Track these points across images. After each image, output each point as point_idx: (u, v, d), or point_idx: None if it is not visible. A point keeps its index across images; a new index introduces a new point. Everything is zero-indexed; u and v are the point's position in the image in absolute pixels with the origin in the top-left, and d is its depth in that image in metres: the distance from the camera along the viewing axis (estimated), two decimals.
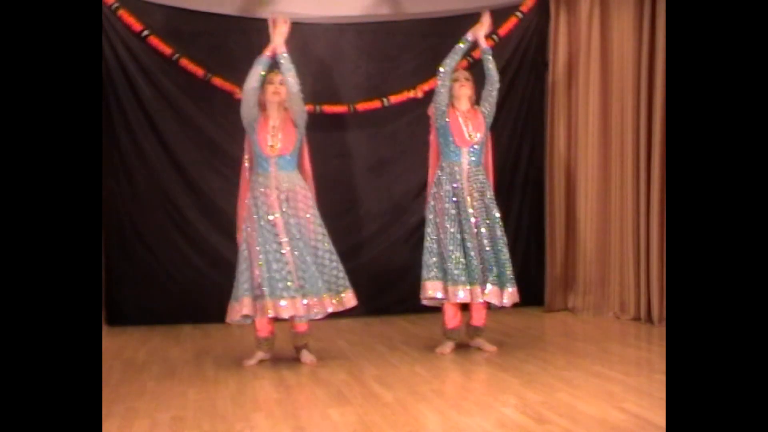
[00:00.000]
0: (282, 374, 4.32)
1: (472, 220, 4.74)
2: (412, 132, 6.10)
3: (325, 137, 5.96)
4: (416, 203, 6.32)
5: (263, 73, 4.58)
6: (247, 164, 4.67)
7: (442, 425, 3.35)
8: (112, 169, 5.74)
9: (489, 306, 4.82)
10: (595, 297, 6.22)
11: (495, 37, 6.27)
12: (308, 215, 4.60)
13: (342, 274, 4.66)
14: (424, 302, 4.89)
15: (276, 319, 4.54)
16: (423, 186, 6.29)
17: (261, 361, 4.61)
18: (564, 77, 6.31)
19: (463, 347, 4.97)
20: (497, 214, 4.82)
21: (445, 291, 4.75)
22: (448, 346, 4.87)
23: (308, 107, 5.94)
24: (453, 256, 4.72)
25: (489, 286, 4.73)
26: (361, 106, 6.12)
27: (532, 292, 6.17)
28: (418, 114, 6.15)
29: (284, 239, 4.46)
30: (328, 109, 6.05)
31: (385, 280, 6.24)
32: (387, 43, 6.23)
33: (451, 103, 4.91)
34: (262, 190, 4.53)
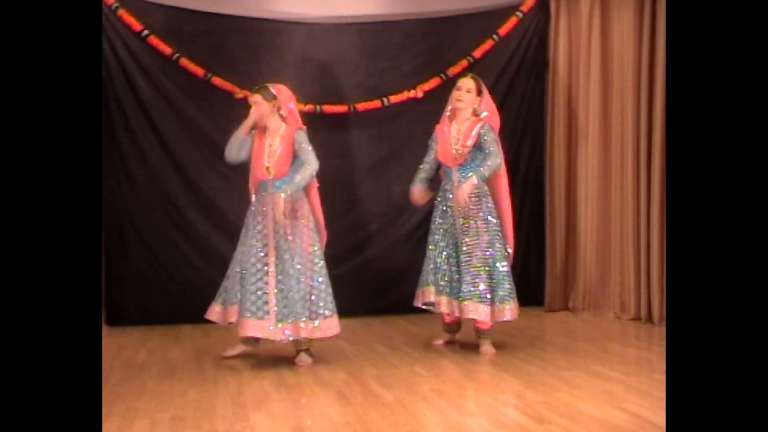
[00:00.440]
0: (282, 374, 4.32)
1: (464, 240, 4.73)
2: (412, 132, 6.09)
3: (325, 137, 5.95)
4: None
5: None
6: None
7: (442, 425, 3.35)
8: (112, 169, 5.73)
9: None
10: (595, 297, 6.22)
11: (495, 37, 6.27)
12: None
13: (330, 299, 4.55)
14: (417, 305, 4.99)
15: None
16: None
17: (246, 356, 4.70)
18: (564, 77, 6.31)
19: (463, 345, 4.98)
20: (491, 234, 4.71)
21: (434, 298, 4.87)
22: (442, 338, 5.06)
23: (308, 107, 5.97)
24: (441, 269, 4.82)
25: (470, 303, 4.67)
26: (361, 106, 6.12)
27: (532, 292, 6.18)
28: (418, 114, 6.15)
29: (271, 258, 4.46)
30: (328, 109, 6.04)
31: (385, 280, 6.24)
32: (387, 43, 6.22)
33: (452, 115, 4.87)
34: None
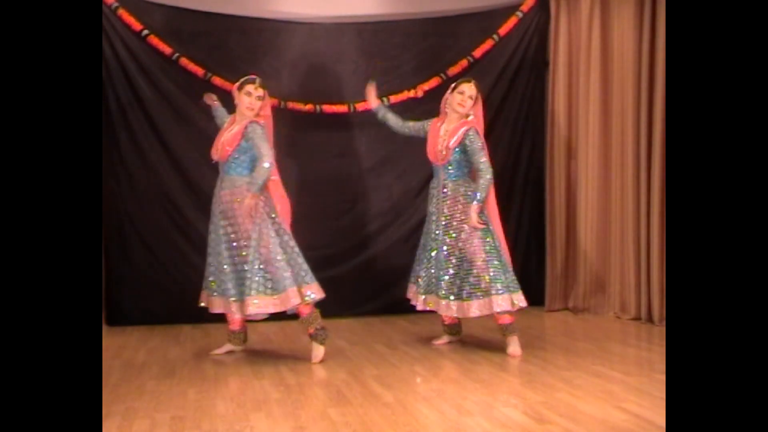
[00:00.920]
0: (282, 374, 4.32)
1: (443, 239, 4.76)
2: None
3: (325, 137, 5.96)
4: (416, 203, 6.31)
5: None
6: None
7: (442, 425, 3.35)
8: (112, 169, 5.74)
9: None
10: (595, 297, 6.22)
11: (495, 37, 6.27)
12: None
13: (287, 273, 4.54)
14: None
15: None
16: (423, 186, 6.30)
17: (246, 356, 4.76)
18: (564, 77, 6.31)
19: (463, 345, 4.98)
20: (477, 229, 4.68)
21: (414, 297, 4.95)
22: (443, 339, 5.08)
23: (308, 107, 5.97)
24: (423, 267, 4.89)
25: (454, 300, 4.69)
26: (361, 106, 6.10)
27: (532, 292, 6.17)
28: (418, 114, 6.13)
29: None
30: (328, 109, 6.04)
31: (385, 280, 6.24)
32: (387, 43, 6.22)
33: (445, 112, 4.88)
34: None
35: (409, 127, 5.09)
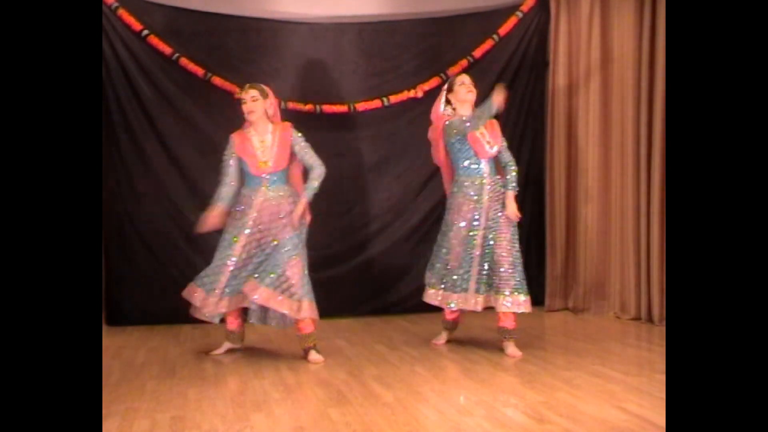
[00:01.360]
0: (282, 374, 4.32)
1: (486, 233, 4.73)
2: (412, 132, 6.10)
3: (325, 137, 5.95)
4: (416, 203, 6.32)
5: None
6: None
7: (442, 425, 3.35)
8: (112, 169, 5.74)
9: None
10: (595, 297, 6.22)
11: (495, 37, 6.27)
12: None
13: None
14: (426, 300, 4.99)
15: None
16: (423, 186, 6.32)
17: (246, 356, 4.77)
18: (564, 77, 6.31)
19: (463, 344, 4.98)
20: (514, 226, 4.78)
21: (443, 298, 4.86)
22: (442, 337, 5.08)
23: (308, 107, 5.98)
24: (457, 266, 4.78)
25: (499, 296, 4.67)
26: (361, 106, 6.12)
27: (532, 292, 6.15)
28: (418, 114, 6.15)
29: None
30: (328, 109, 6.04)
31: (385, 280, 6.24)
32: (387, 43, 6.22)
33: (453, 107, 4.89)
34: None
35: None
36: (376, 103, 6.13)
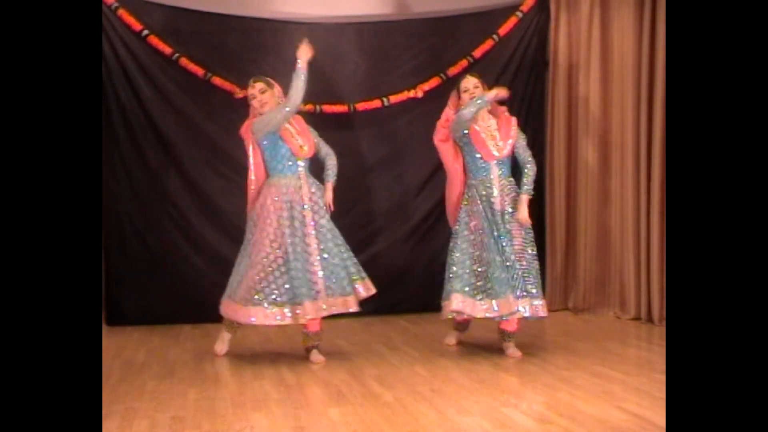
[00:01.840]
0: (282, 374, 4.32)
1: (503, 236, 4.66)
2: (412, 132, 6.10)
3: (325, 137, 5.93)
4: (416, 202, 6.32)
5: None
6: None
7: (442, 425, 3.35)
8: (112, 169, 5.74)
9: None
10: (595, 297, 6.22)
11: (495, 37, 6.27)
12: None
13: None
14: (450, 315, 4.72)
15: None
16: (423, 186, 6.32)
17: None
18: (564, 77, 6.31)
19: (462, 344, 4.98)
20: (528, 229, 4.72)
21: (469, 305, 4.63)
22: (453, 337, 5.04)
23: (308, 107, 5.97)
24: (479, 270, 4.65)
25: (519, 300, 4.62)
26: (361, 106, 6.11)
27: None
28: (418, 114, 6.16)
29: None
30: (328, 109, 6.04)
31: (385, 280, 6.20)
32: (387, 43, 6.22)
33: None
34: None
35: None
36: (376, 103, 6.12)
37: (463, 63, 6.18)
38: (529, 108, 6.43)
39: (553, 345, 5.15)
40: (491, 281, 4.57)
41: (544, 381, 4.08)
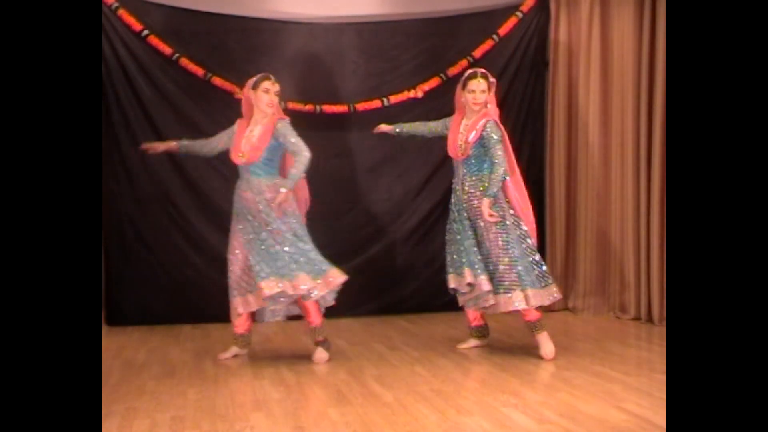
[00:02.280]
0: (282, 374, 4.32)
1: (468, 234, 4.70)
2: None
3: (325, 137, 5.95)
4: (416, 203, 6.32)
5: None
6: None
7: (441, 425, 3.35)
8: (112, 170, 5.74)
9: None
10: (595, 297, 6.22)
11: (495, 37, 6.27)
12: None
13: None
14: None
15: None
16: (423, 186, 6.32)
17: (246, 356, 4.74)
18: (564, 77, 6.31)
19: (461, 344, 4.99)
20: (499, 226, 4.65)
21: (456, 281, 4.78)
22: (469, 343, 4.98)
23: (308, 107, 5.98)
24: (459, 252, 4.75)
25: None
26: (361, 106, 6.11)
27: None
28: (418, 114, 6.15)
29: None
30: (328, 109, 6.04)
31: (385, 280, 6.24)
32: (387, 43, 6.22)
33: (461, 107, 4.83)
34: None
35: (432, 128, 5.03)
36: (376, 103, 6.12)
37: (463, 63, 6.17)
38: (529, 108, 6.43)
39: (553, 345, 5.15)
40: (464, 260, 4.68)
41: (544, 381, 4.08)
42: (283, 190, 4.49)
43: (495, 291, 4.60)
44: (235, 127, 4.73)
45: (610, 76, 6.11)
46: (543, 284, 4.64)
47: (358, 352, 4.89)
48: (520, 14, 6.30)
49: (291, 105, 5.90)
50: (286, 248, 4.53)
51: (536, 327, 4.65)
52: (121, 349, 5.02)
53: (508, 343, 5.04)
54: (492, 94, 4.81)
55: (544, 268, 4.70)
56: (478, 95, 4.71)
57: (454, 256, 4.80)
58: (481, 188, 4.68)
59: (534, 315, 4.63)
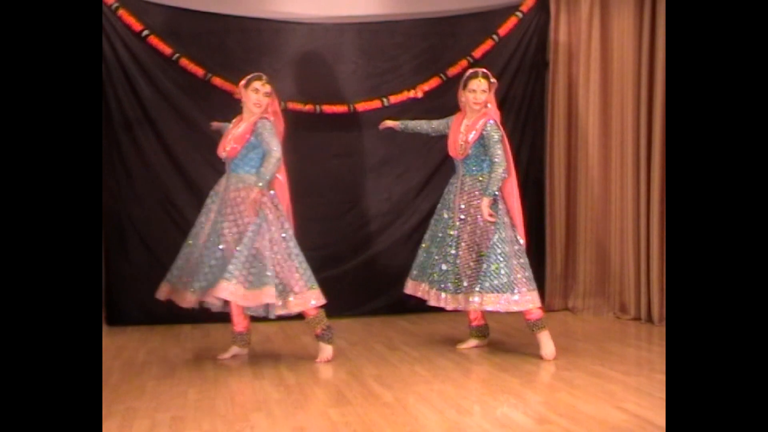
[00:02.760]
0: (282, 374, 4.32)
1: (461, 235, 4.69)
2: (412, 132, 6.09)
3: (325, 137, 5.96)
4: (416, 203, 6.32)
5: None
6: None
7: (442, 425, 3.35)
8: (112, 169, 5.74)
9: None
10: (595, 297, 6.22)
11: (495, 37, 6.27)
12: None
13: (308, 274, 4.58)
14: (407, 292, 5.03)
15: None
16: (423, 186, 6.32)
17: (246, 356, 4.73)
18: (564, 77, 6.31)
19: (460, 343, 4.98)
20: (491, 222, 4.63)
21: (424, 292, 4.87)
22: (469, 343, 4.97)
23: (308, 107, 5.97)
24: (440, 263, 4.77)
25: (478, 291, 4.58)
26: (361, 106, 6.11)
27: None
28: (418, 114, 6.14)
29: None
30: (328, 109, 6.04)
31: (385, 280, 6.23)
32: (387, 43, 6.22)
33: (463, 107, 4.83)
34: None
35: (435, 126, 5.06)
36: (375, 103, 6.12)
37: (463, 63, 6.17)
38: (529, 108, 6.43)
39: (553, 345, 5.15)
40: (457, 275, 4.68)
41: (544, 381, 4.08)
42: (259, 185, 4.46)
43: (479, 288, 4.57)
44: (232, 123, 4.76)
45: (610, 76, 6.11)
46: (526, 288, 4.60)
47: (358, 352, 4.89)
48: (520, 14, 6.30)
49: (291, 105, 5.90)
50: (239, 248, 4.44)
51: (537, 326, 4.65)
52: (121, 349, 5.02)
53: (508, 343, 5.04)
54: (492, 94, 4.82)
55: (529, 273, 4.65)
56: (479, 95, 4.71)
57: (427, 264, 4.86)
58: (480, 187, 4.68)
59: (535, 314, 4.62)
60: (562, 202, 6.36)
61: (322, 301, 4.56)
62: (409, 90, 6.16)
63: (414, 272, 4.99)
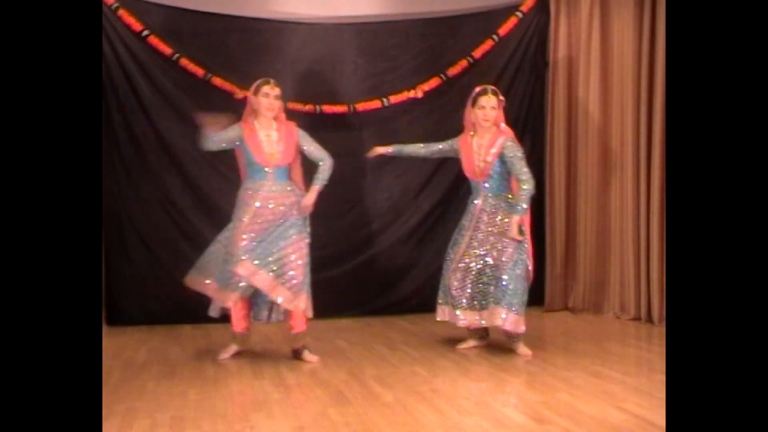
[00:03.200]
0: (282, 374, 4.33)
1: (483, 254, 4.70)
2: (412, 132, 6.09)
3: (325, 137, 5.94)
4: (416, 203, 6.32)
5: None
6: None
7: (442, 425, 3.35)
8: (112, 169, 5.74)
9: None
10: (595, 297, 6.22)
11: (495, 37, 6.27)
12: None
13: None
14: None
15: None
16: (423, 186, 6.32)
17: (246, 356, 4.73)
18: (564, 77, 6.31)
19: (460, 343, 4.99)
20: (511, 245, 4.65)
21: (450, 315, 4.82)
22: (469, 343, 4.97)
23: (308, 107, 5.98)
24: (451, 281, 4.77)
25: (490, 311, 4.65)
26: (361, 106, 6.11)
27: (531, 291, 6.15)
28: (418, 114, 6.16)
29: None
30: (328, 109, 6.04)
31: (385, 280, 6.24)
32: (387, 43, 6.22)
33: (474, 130, 4.80)
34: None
35: (437, 150, 5.03)
36: (376, 103, 6.12)
37: (463, 63, 6.18)
38: (529, 108, 6.44)
39: (553, 345, 5.15)
40: (483, 293, 4.70)
41: (544, 381, 4.08)
42: (317, 187, 4.67)
43: (486, 306, 4.65)
44: (241, 128, 4.67)
45: (610, 76, 6.11)
46: (523, 311, 4.67)
47: (358, 352, 4.89)
48: (520, 14, 6.31)
49: (291, 105, 5.90)
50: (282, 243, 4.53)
51: (516, 338, 4.74)
52: (121, 349, 5.02)
53: (508, 344, 5.04)
54: (501, 111, 4.80)
55: (526, 298, 4.73)
56: (489, 111, 4.70)
57: (454, 290, 4.77)
58: (504, 207, 4.70)
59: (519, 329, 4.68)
60: (562, 202, 6.36)
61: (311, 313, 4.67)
62: (409, 90, 6.16)
63: (440, 299, 4.90)
